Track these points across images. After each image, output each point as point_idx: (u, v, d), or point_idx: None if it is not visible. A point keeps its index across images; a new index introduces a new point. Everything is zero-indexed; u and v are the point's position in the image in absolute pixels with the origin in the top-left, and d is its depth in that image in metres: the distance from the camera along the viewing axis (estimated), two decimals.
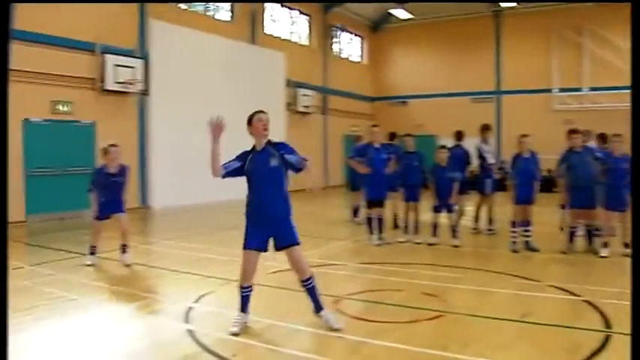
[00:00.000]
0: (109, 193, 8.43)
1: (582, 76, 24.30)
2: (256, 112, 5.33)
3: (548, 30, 24.91)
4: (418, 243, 10.18)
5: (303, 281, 5.36)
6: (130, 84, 15.86)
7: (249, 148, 5.32)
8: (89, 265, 8.39)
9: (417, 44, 28.45)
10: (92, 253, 8.59)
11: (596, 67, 23.92)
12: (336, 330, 5.23)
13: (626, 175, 8.50)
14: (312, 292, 5.38)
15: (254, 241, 5.21)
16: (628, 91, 22.14)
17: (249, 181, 5.26)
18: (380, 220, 10.26)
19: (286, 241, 5.26)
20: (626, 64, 22.00)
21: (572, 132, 9.28)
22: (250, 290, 5.37)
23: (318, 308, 5.39)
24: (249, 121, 5.29)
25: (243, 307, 5.35)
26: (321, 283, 7.11)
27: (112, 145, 8.54)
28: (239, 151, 5.33)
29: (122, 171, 8.52)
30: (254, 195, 5.25)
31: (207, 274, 7.67)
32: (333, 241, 10.78)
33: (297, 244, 5.29)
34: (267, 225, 5.22)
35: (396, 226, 11.89)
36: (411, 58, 28.78)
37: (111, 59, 15.45)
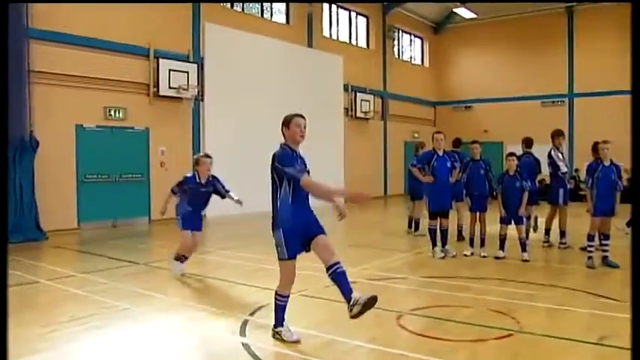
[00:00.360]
0: (197, 203, 8.57)
1: None
2: (295, 116, 5.33)
3: (627, 25, 23.95)
4: (484, 256, 9.99)
5: (332, 265, 5.09)
6: (184, 89, 16.25)
7: (288, 149, 5.27)
8: (183, 275, 8.55)
9: (481, 45, 28.06)
10: (178, 259, 8.70)
11: None
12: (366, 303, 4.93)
13: None
14: (343, 276, 5.08)
15: (296, 248, 5.25)
16: None
17: (290, 185, 5.17)
18: (444, 232, 10.14)
19: (314, 231, 5.25)
20: None
21: None
22: (289, 298, 5.44)
23: (349, 292, 5.00)
24: (287, 124, 5.29)
25: (282, 317, 5.42)
26: (382, 298, 7.07)
27: (206, 156, 8.61)
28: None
29: (211, 182, 8.59)
30: (294, 199, 5.20)
31: (263, 285, 7.71)
32: (394, 253, 10.70)
33: (324, 233, 5.27)
34: (304, 228, 5.25)
35: (460, 238, 11.72)
36: (476, 59, 28.39)
37: (165, 64, 15.89)
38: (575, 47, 25.69)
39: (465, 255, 10.17)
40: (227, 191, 8.69)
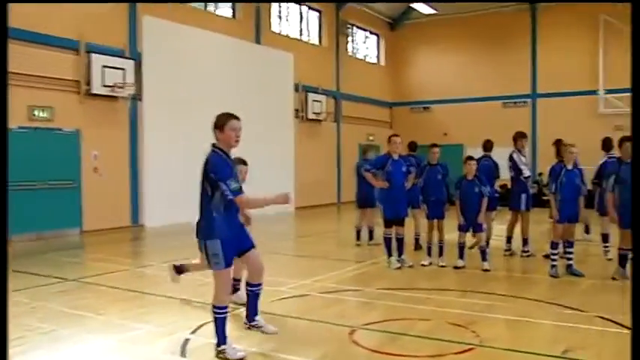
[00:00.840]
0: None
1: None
2: (230, 117, 5.31)
3: (593, 20, 24.47)
4: (443, 266, 10.11)
5: (256, 285, 5.91)
6: (120, 87, 15.95)
7: (222, 155, 5.29)
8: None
9: (441, 43, 28.46)
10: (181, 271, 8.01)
11: None
12: (273, 333, 5.97)
13: None
14: (258, 298, 6.02)
15: (231, 258, 5.42)
16: None
17: (223, 195, 5.23)
18: (399, 241, 10.22)
19: (248, 243, 5.69)
20: None
21: (627, 139, 9.07)
22: (228, 310, 5.53)
23: (254, 313, 6.08)
24: (221, 127, 5.26)
25: (224, 333, 5.43)
26: (334, 311, 7.12)
27: (241, 162, 7.71)
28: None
29: None
30: (227, 208, 5.28)
31: (208, 301, 7.60)
32: (348, 264, 10.72)
33: (256, 247, 5.76)
34: (238, 238, 5.50)
35: (417, 247, 11.83)
36: (435, 58, 28.80)
37: (98, 59, 15.55)
38: (539, 46, 26.28)
39: (423, 265, 10.26)
40: None
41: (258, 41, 21.56)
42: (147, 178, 17.03)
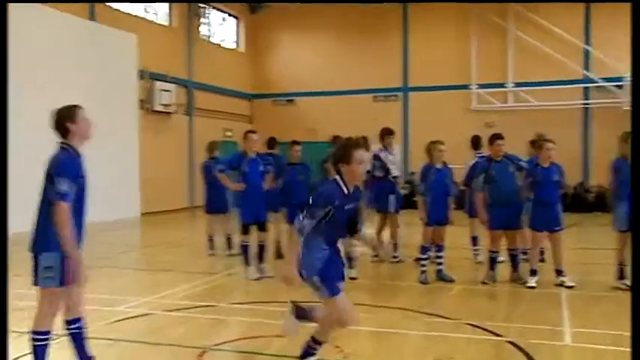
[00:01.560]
0: (336, 232, 5.82)
1: (507, 70, 25.50)
2: (77, 107, 5.13)
3: (465, 13, 25.81)
4: None
5: (78, 320, 5.22)
6: None
7: (73, 152, 5.02)
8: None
9: (307, 29, 28.85)
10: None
11: (524, 59, 24.91)
12: None
13: (557, 188, 9.10)
14: (83, 336, 5.27)
15: (68, 275, 4.99)
16: (561, 87, 23.55)
17: (78, 202, 4.99)
18: (261, 247, 10.28)
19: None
20: (563, 55, 23.45)
21: (498, 137, 9.61)
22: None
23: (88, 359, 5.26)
24: (73, 118, 5.03)
25: None
26: (181, 332, 7.03)
27: (359, 145, 6.24)
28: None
29: (358, 194, 5.90)
30: (78, 214, 5.02)
31: (23, 329, 7.25)
32: (200, 276, 10.62)
33: None
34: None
35: (279, 255, 11.91)
36: (301, 46, 29.09)
37: None
38: (411, 37, 27.11)
39: None
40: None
41: (92, 18, 20.74)
42: None
